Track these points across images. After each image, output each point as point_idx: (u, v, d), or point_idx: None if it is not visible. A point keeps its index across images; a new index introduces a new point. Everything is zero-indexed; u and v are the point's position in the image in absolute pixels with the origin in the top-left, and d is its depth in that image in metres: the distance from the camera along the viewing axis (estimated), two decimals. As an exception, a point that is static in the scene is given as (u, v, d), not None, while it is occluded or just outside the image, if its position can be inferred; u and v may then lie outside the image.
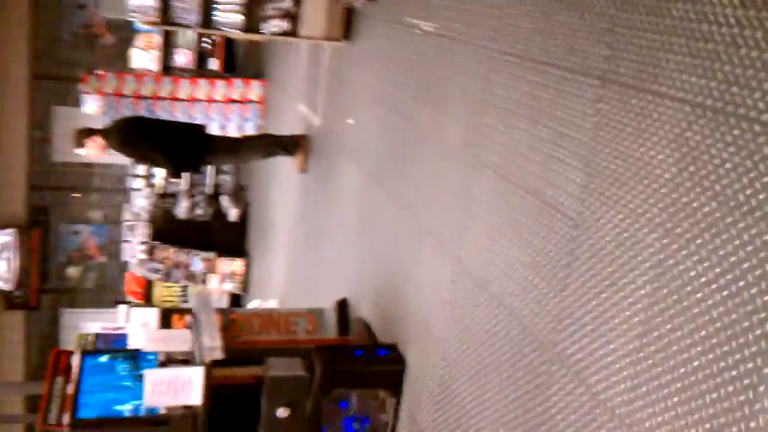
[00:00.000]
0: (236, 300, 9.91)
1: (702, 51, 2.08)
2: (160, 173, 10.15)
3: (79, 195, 12.94)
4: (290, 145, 6.86)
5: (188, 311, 5.41)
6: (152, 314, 5.89)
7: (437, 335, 3.67)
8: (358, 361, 4.06)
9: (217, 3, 5.56)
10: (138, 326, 5.58)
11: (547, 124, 2.83)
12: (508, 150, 3.11)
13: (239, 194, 10.14)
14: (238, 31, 5.65)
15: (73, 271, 13.65)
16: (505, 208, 3.10)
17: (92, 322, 7.14)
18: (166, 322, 6.15)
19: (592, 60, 2.57)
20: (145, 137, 6.74)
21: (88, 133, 6.73)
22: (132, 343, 5.05)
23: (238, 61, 10.68)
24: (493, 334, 3.13)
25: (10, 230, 9.75)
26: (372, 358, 4.10)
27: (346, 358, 4.09)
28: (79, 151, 6.84)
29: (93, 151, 6.77)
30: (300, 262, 6.98)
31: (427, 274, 3.89)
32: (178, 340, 4.35)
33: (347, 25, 5.60)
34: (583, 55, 2.62)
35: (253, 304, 7.58)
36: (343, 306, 5.03)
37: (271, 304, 7.34)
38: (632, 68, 2.36)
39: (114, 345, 5.72)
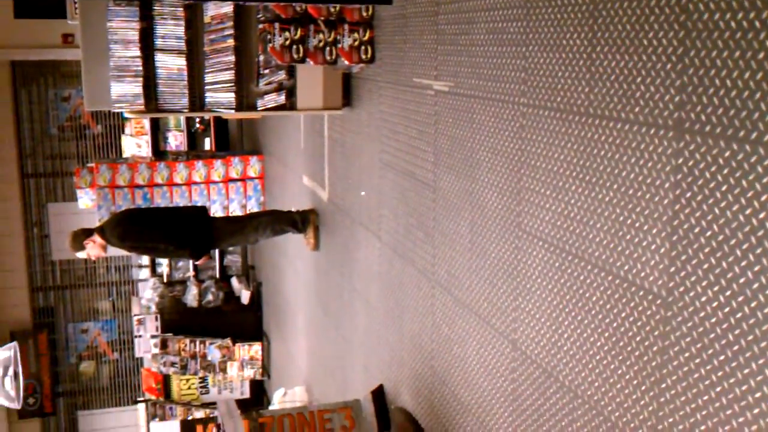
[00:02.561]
0: (259, 387, 9.43)
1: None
2: (165, 262, 9.75)
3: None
4: (299, 221, 6.45)
5: (212, 420, 4.97)
6: (174, 428, 5.41)
7: None
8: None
9: (206, 84, 5.23)
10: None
11: (606, 185, 2.44)
12: (561, 217, 2.71)
13: (249, 275, 9.72)
14: (231, 111, 5.29)
15: (86, 366, 13.19)
16: (567, 285, 2.69)
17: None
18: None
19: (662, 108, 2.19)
20: (146, 228, 6.36)
21: (85, 234, 6.34)
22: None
23: (231, 137, 10.37)
24: (572, 432, 2.70)
25: (9, 344, 9.23)
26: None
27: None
28: (79, 254, 6.46)
29: (93, 252, 6.38)
30: (324, 344, 6.53)
31: (477, 360, 3.46)
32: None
33: (347, 91, 5.25)
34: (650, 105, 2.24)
35: (278, 394, 7.11)
36: (379, 395, 4.59)
37: (298, 391, 6.88)
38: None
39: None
